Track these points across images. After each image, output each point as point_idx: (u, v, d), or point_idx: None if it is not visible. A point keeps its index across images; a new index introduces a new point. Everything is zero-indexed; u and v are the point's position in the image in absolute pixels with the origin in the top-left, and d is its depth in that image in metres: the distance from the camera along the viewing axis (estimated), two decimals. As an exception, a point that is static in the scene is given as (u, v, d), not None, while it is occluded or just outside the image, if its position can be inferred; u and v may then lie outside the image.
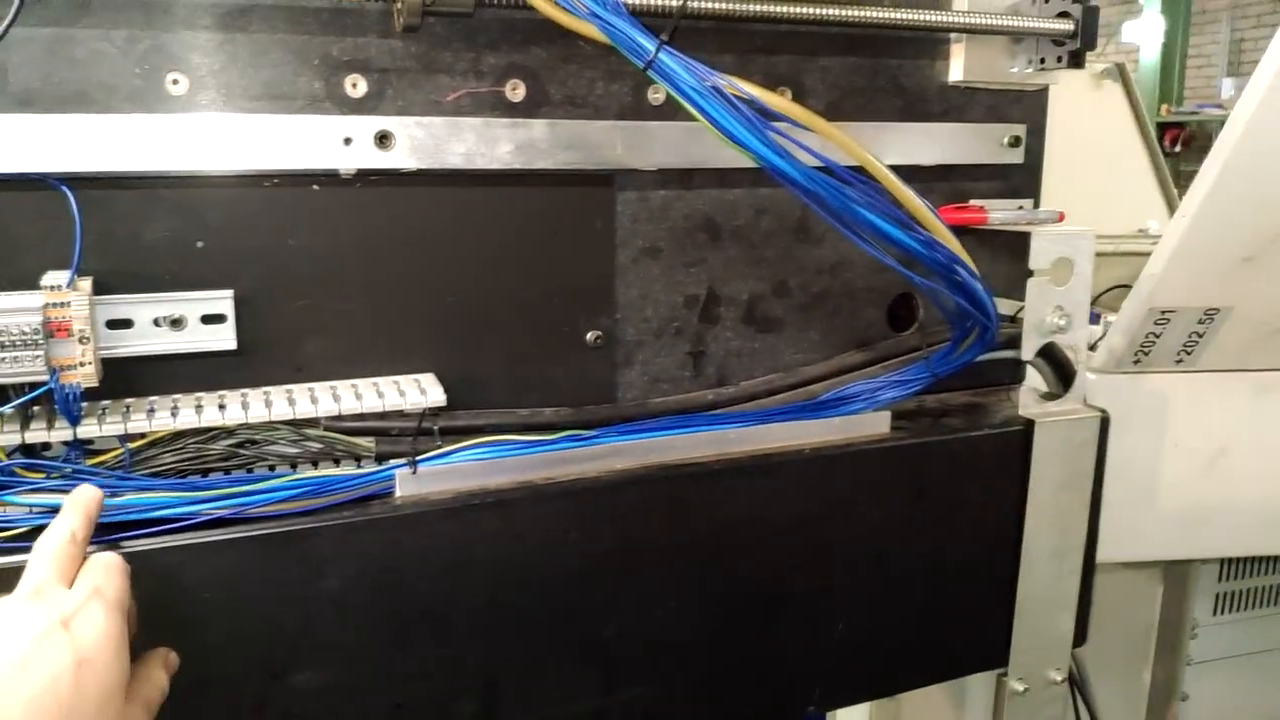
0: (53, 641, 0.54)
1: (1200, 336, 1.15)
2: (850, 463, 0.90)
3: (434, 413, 0.81)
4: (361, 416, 0.79)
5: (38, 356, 0.67)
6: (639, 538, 0.84)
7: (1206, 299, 1.12)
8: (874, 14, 0.90)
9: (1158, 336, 1.14)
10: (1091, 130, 2.11)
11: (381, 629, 0.76)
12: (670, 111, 0.88)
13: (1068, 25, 0.97)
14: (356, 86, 0.79)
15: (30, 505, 0.69)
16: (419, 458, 0.77)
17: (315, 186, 0.79)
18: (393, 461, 0.77)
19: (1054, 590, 1.01)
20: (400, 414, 0.81)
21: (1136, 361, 1.16)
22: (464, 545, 0.77)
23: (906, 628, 0.96)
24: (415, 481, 0.76)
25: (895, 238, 0.70)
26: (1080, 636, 1.04)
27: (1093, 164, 2.07)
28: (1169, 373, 1.18)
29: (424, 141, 0.79)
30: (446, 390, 0.81)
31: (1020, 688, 1.02)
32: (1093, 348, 1.18)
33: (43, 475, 0.71)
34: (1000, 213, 0.99)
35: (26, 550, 0.63)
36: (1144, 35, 9.27)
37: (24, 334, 0.67)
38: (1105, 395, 1.15)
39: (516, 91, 0.84)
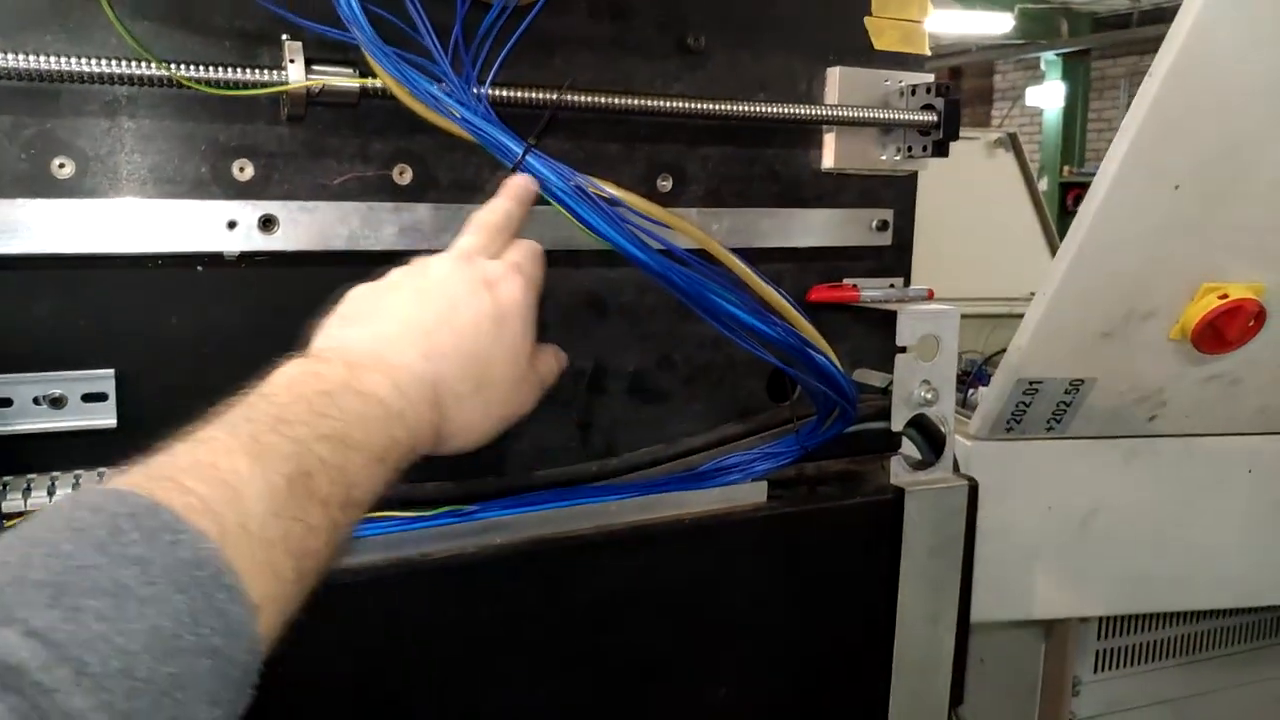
0: (478, 295, 0.63)
1: (1068, 405, 1.22)
2: (727, 532, 0.94)
3: (315, 488, 0.83)
4: (241, 492, 0.80)
5: (-94, 438, 0.68)
6: (518, 613, 0.86)
7: (1071, 370, 1.19)
8: (749, 108, 0.96)
9: (1028, 405, 1.21)
10: (986, 197, 2.23)
11: (251, 710, 0.76)
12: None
13: (932, 117, 1.04)
14: (244, 170, 0.82)
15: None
16: (296, 533, 0.78)
17: (199, 268, 0.81)
18: (270, 537, 0.78)
19: (929, 653, 1.05)
20: (282, 489, 0.82)
21: (1009, 429, 1.23)
22: (331, 626, 0.78)
23: (786, 694, 1.00)
24: (291, 557, 0.78)
25: (748, 323, 0.74)
26: (957, 696, 1.08)
27: (987, 229, 2.19)
28: (1042, 439, 1.25)
29: (308, 225, 0.82)
30: (330, 465, 0.83)
31: (899, 749, 1.05)
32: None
33: (-91, 555, 0.71)
34: (871, 291, 1.05)
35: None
36: (1047, 99, 9.74)
37: (-107, 415, 0.67)
38: (982, 461, 1.21)
39: (404, 176, 0.88)
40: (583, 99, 0.85)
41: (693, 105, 0.92)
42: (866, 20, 1.07)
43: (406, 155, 0.88)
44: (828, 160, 1.04)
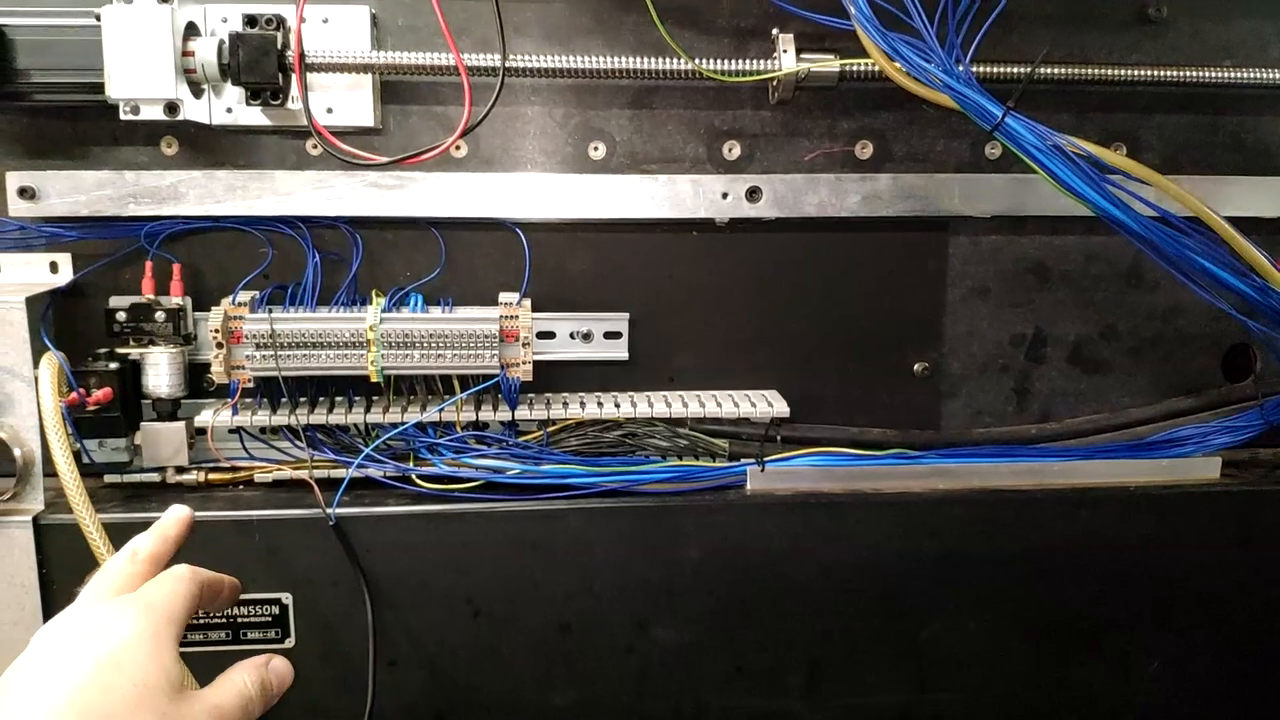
0: (80, 647, 0.55)
1: None
2: (1175, 505, 0.93)
3: (778, 423, 0.95)
4: (719, 421, 0.95)
5: (494, 355, 0.89)
6: (955, 553, 0.92)
7: None
8: (1213, 74, 0.93)
9: None
10: None
11: (729, 598, 0.91)
12: (1005, 164, 0.97)
13: None
14: (732, 150, 0.96)
15: (476, 466, 0.91)
16: (766, 459, 0.91)
17: (694, 232, 0.97)
18: (744, 460, 0.92)
19: None
20: (749, 422, 0.95)
21: None
22: (799, 536, 0.90)
23: (1220, 680, 0.96)
24: (762, 478, 0.91)
25: (1230, 284, 0.74)
26: None
27: None
28: None
29: (785, 195, 0.95)
30: (789, 405, 0.95)
31: (1363, 761, 0.97)
32: None
33: (486, 445, 0.92)
34: (1355, 266, 0.97)
35: (465, 500, 0.86)
36: None
37: (486, 338, 0.89)
38: None
39: (865, 150, 0.97)
40: (1055, 71, 0.89)
41: (1162, 73, 0.92)
42: (1357, -25, 0.99)
43: (868, 132, 0.97)
44: (1305, 127, 0.98)
